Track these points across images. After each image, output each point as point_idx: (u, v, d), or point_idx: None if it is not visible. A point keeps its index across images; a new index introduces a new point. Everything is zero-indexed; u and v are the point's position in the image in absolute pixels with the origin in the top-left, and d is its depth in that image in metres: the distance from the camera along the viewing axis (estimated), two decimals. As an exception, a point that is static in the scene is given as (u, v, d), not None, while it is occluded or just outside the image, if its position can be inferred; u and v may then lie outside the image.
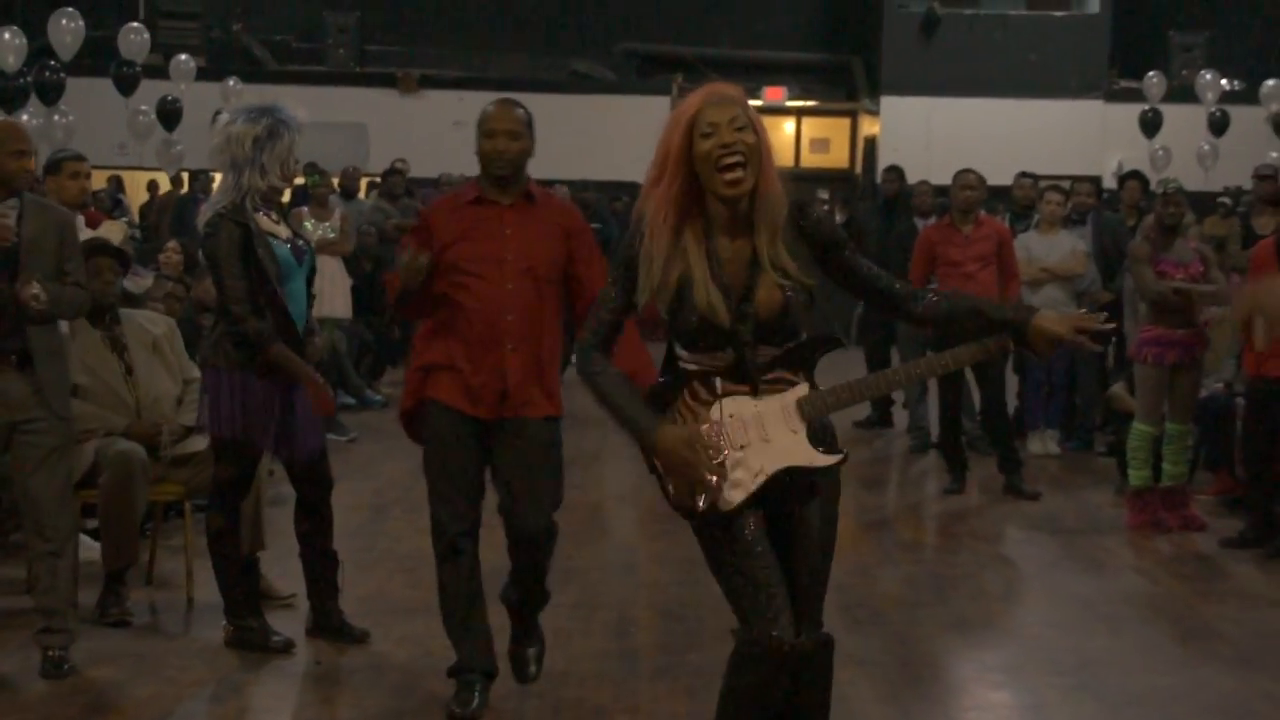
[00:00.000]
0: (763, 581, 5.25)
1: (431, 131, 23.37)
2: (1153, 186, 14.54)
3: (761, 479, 5.14)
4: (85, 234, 10.28)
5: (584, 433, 12.68)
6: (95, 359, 9.10)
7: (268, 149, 8.22)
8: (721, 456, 5.08)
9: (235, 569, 8.41)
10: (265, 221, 8.24)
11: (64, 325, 8.78)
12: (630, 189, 20.55)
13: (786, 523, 5.32)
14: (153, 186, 21.77)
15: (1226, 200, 15.08)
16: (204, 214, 8.22)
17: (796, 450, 5.18)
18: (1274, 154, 21.43)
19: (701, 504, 5.09)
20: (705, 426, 5.11)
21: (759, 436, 5.16)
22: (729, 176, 5.08)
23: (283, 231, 8.37)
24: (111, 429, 8.96)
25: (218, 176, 8.70)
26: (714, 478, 5.10)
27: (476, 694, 7.17)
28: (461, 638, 7.26)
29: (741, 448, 5.12)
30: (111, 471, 8.72)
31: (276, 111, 8.41)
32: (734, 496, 5.07)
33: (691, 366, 5.17)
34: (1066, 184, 15.66)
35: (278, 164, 8.26)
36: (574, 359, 5.81)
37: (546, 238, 7.30)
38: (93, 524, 8.99)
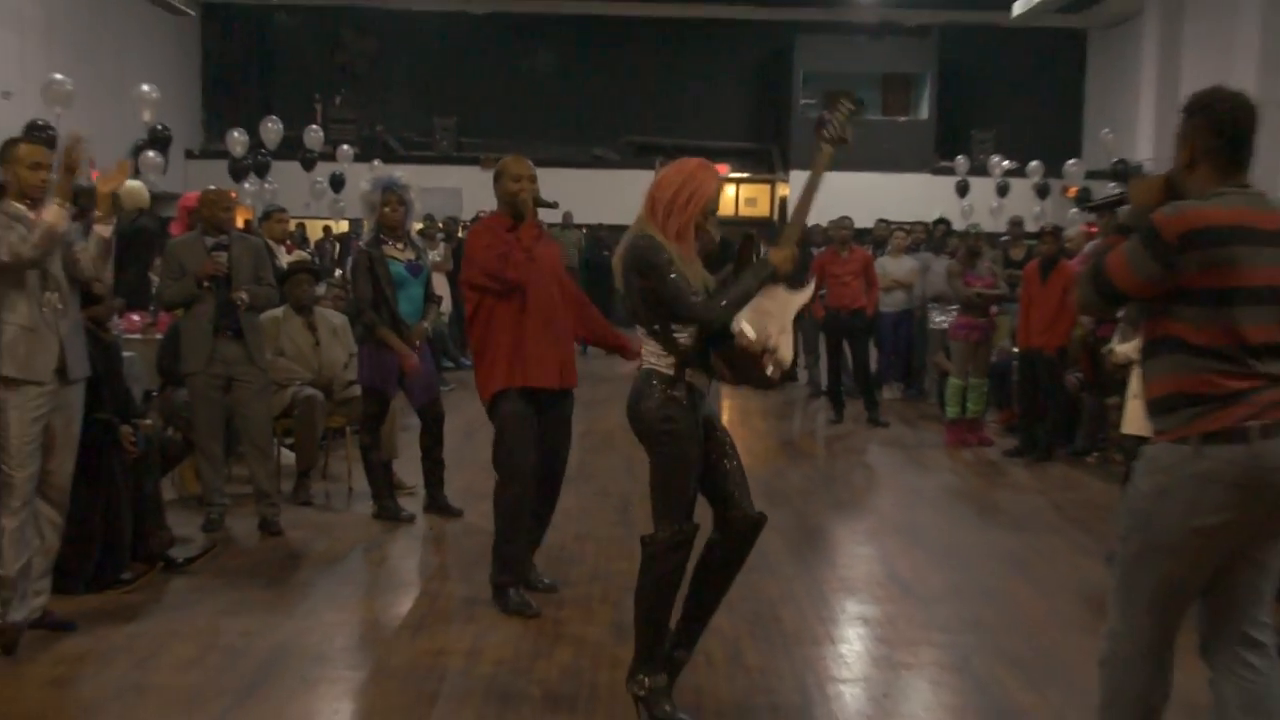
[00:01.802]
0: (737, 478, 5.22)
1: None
2: (963, 228, 14.72)
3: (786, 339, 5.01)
4: (288, 258, 10.51)
5: (598, 385, 12.28)
6: (297, 335, 9.63)
7: (380, 199, 8.73)
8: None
9: (378, 468, 8.89)
10: (390, 249, 8.64)
11: (278, 311, 9.29)
12: (625, 230, 20.53)
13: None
14: (326, 230, 21.84)
15: (1005, 238, 15.37)
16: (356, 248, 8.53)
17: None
18: (1036, 209, 21.78)
19: (771, 370, 4.91)
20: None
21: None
22: (711, 225, 5.34)
23: (406, 255, 8.74)
24: (303, 380, 9.45)
25: (366, 223, 8.87)
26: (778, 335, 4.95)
27: (511, 596, 6.73)
28: (511, 553, 6.75)
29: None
30: (301, 407, 9.27)
31: (389, 179, 9.03)
32: (786, 354, 4.92)
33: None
34: (907, 226, 15.78)
35: (393, 209, 8.72)
36: None
37: (557, 256, 7.09)
38: (289, 441, 9.51)
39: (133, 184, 13.73)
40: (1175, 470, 3.83)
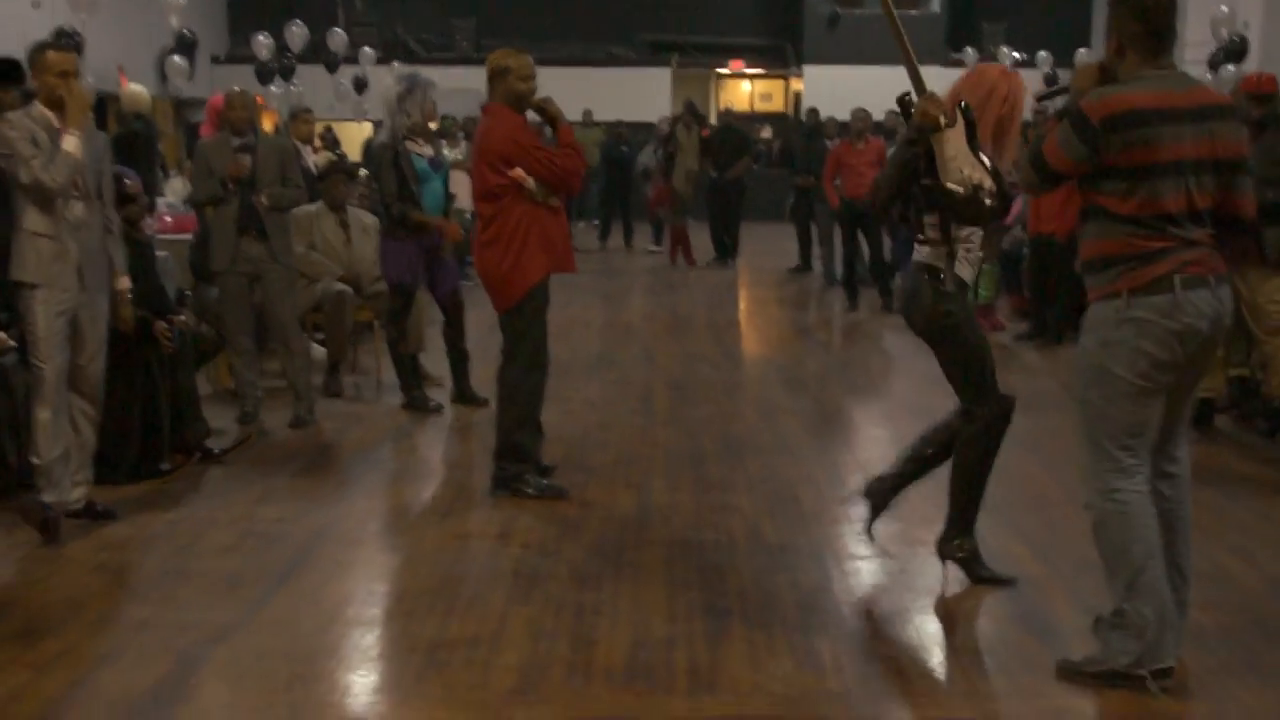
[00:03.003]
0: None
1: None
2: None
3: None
4: (315, 158, 10.45)
5: (615, 278, 12.24)
6: (330, 232, 9.66)
7: (409, 99, 8.63)
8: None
9: (405, 360, 8.90)
10: (412, 145, 8.61)
11: (313, 207, 9.29)
12: (644, 127, 20.43)
13: None
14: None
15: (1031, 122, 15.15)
16: (375, 142, 8.38)
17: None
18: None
19: (990, 201, 5.09)
20: None
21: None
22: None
23: (427, 151, 8.75)
24: (333, 274, 9.51)
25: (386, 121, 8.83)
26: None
27: (534, 481, 6.73)
28: (526, 440, 6.74)
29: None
30: (331, 301, 9.32)
31: (413, 76, 8.96)
32: (985, 180, 5.04)
33: None
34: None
35: (418, 107, 8.64)
36: None
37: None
38: (320, 335, 9.63)
39: (135, 88, 13.73)
40: (1111, 321, 4.24)
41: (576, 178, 6.81)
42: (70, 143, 5.93)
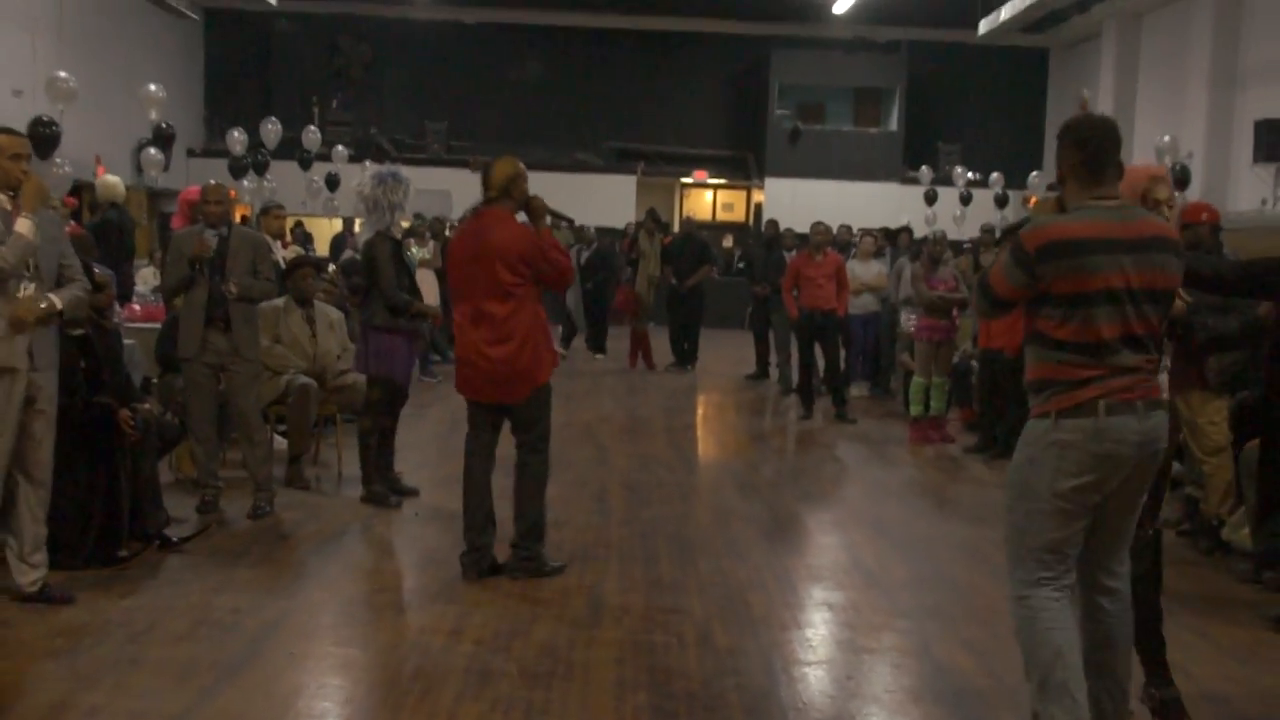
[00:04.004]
0: None
1: (488, 196, 23.33)
2: (926, 234, 14.57)
3: None
4: (284, 253, 10.51)
5: (575, 379, 12.23)
6: (295, 326, 9.62)
7: (396, 191, 8.71)
8: None
9: (372, 454, 8.81)
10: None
11: (279, 301, 9.23)
12: (609, 231, 20.59)
13: None
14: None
15: (967, 244, 15.34)
16: (361, 237, 8.33)
17: None
18: (998, 217, 21.77)
19: None
20: None
21: None
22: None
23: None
24: (298, 368, 9.47)
25: (358, 221, 8.80)
26: None
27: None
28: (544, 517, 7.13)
29: None
30: (295, 394, 9.30)
31: (393, 170, 9.01)
32: None
33: None
34: (875, 232, 15.60)
35: (403, 200, 8.78)
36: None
37: None
38: (282, 428, 9.61)
39: (110, 178, 13.75)
40: (1039, 441, 4.30)
41: (571, 276, 7.30)
42: (24, 225, 5.91)
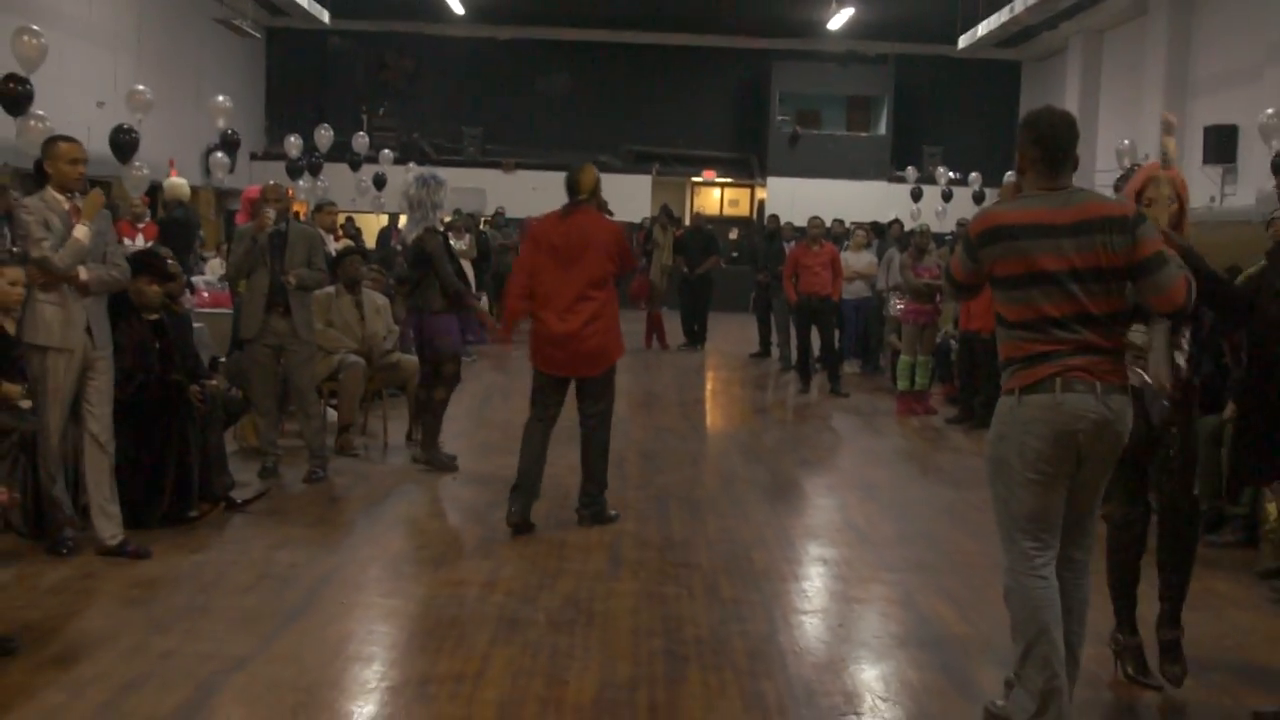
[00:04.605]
0: None
1: (519, 194, 23.25)
2: (912, 228, 14.45)
3: None
4: (336, 246, 10.59)
5: None
6: (345, 311, 9.55)
7: (438, 192, 8.74)
8: None
9: (438, 424, 8.89)
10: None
11: (330, 288, 9.24)
12: (628, 225, 20.59)
13: None
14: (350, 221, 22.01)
15: (948, 237, 15.28)
16: (409, 232, 8.81)
17: None
18: (976, 212, 21.66)
19: None
20: None
21: None
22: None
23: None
24: (348, 348, 9.40)
25: (402, 217, 8.86)
26: None
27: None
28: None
29: None
30: (346, 372, 9.27)
31: (432, 174, 9.02)
32: None
33: None
34: (866, 225, 15.43)
35: (442, 200, 8.81)
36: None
37: None
38: (334, 401, 9.54)
39: (177, 180, 13.77)
40: (1006, 418, 4.15)
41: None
42: (81, 232, 6.04)
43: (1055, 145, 4.10)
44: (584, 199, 7.15)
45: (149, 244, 10.92)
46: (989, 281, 4.19)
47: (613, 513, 7.34)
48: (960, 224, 15.89)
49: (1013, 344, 4.13)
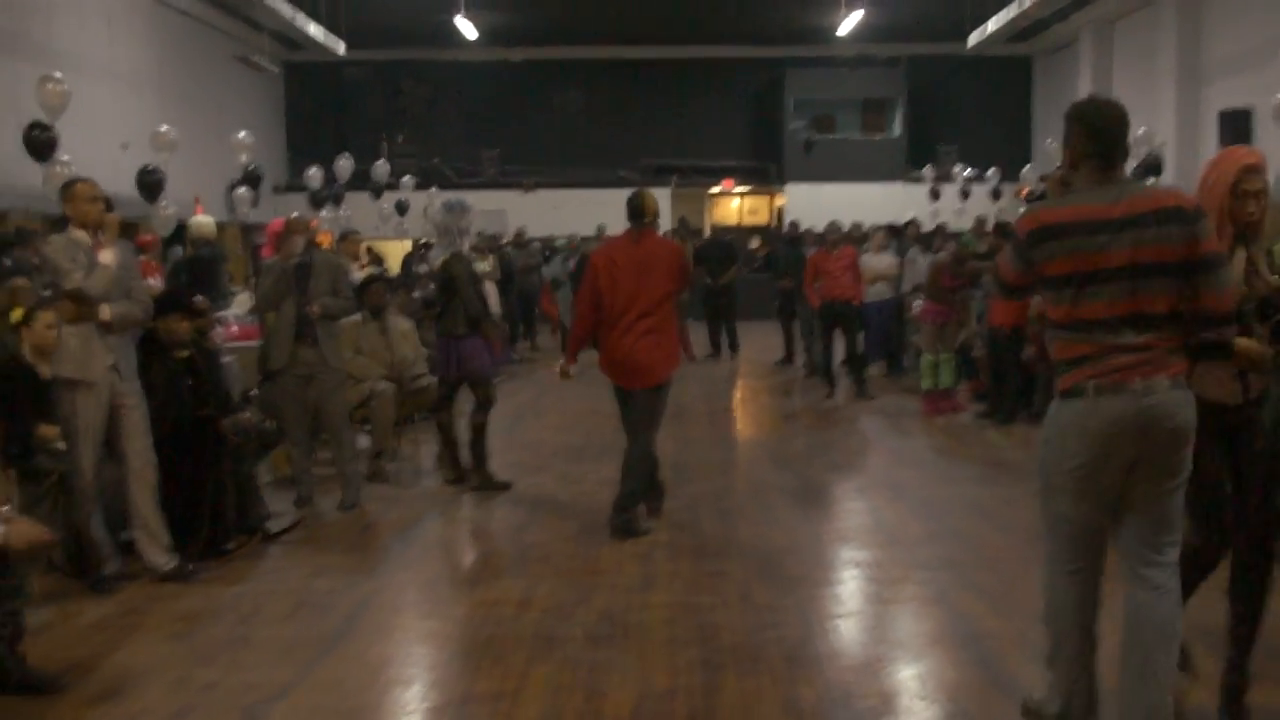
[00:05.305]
0: None
1: (539, 213, 23.37)
2: (929, 229, 14.44)
3: None
4: (360, 274, 10.66)
5: None
6: (372, 337, 9.61)
7: (465, 219, 8.90)
8: None
9: (452, 443, 8.97)
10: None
11: (356, 317, 9.30)
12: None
13: None
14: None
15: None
16: (435, 259, 9.02)
17: None
18: (995, 208, 21.88)
19: None
20: None
21: None
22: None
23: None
24: (377, 375, 9.45)
25: (432, 241, 8.97)
26: None
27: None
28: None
29: None
30: (377, 399, 9.33)
31: (460, 201, 9.15)
32: None
33: None
34: (884, 227, 15.41)
35: (469, 226, 9.02)
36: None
37: None
38: (366, 428, 9.62)
39: (203, 219, 13.89)
40: (1052, 422, 4.01)
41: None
42: (107, 255, 6.25)
43: (1111, 137, 3.91)
44: (648, 221, 7.55)
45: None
46: (1039, 282, 3.99)
47: (645, 526, 7.40)
48: (979, 220, 15.86)
49: (1061, 344, 3.96)
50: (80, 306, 6.16)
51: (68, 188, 6.40)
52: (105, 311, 6.22)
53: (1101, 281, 3.81)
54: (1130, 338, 3.82)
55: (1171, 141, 19.79)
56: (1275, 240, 4.27)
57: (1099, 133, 3.89)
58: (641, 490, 7.50)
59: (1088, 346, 3.86)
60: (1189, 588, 4.28)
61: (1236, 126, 17.77)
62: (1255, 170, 4.28)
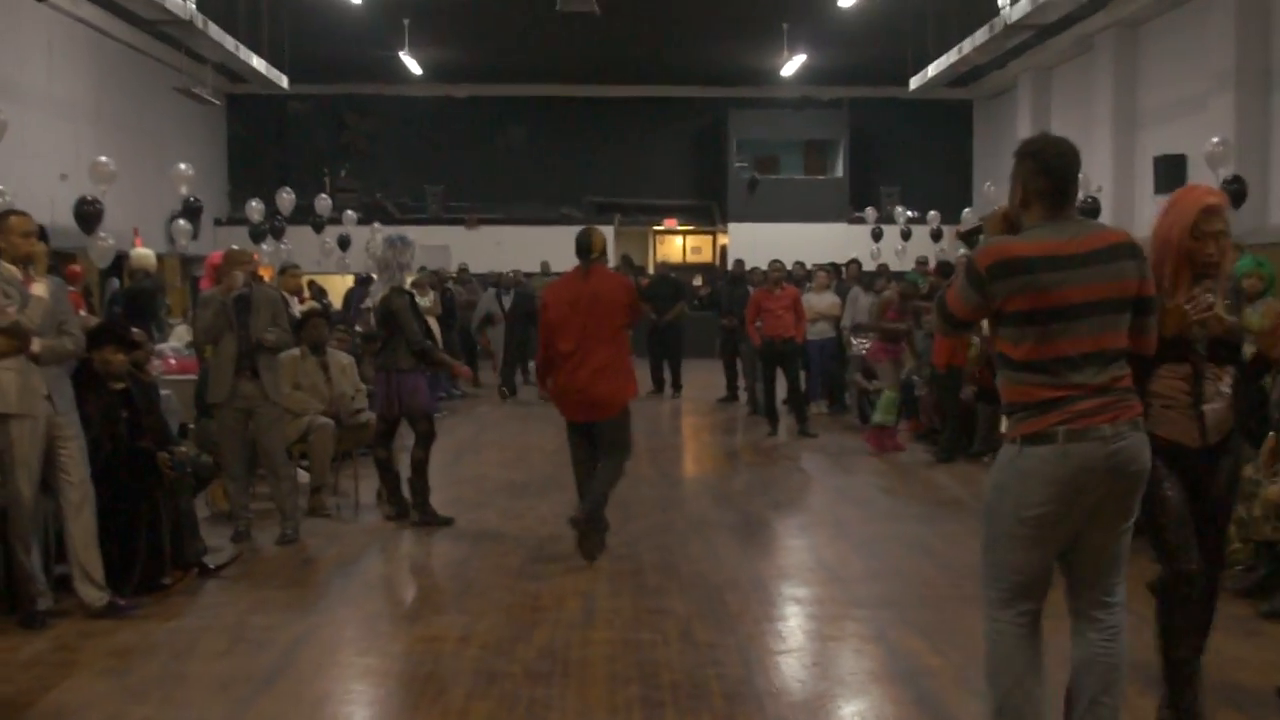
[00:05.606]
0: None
1: (483, 249, 23.35)
2: (875, 270, 14.60)
3: None
4: (301, 308, 10.56)
5: None
6: (311, 372, 9.54)
7: (405, 253, 8.93)
8: None
9: (391, 479, 8.96)
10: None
11: (295, 351, 9.21)
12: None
13: None
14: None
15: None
16: (376, 293, 8.56)
17: None
18: (938, 251, 22.01)
19: None
20: None
21: None
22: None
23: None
24: (316, 410, 9.37)
25: (374, 275, 8.94)
26: None
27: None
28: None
29: None
30: (315, 434, 9.23)
31: (401, 236, 9.18)
32: None
33: None
34: (827, 267, 15.48)
35: (409, 261, 9.03)
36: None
37: None
38: (304, 463, 9.43)
39: (143, 251, 13.80)
40: (1006, 468, 3.83)
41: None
42: (39, 288, 6.22)
43: (1064, 174, 3.83)
44: (595, 257, 7.70)
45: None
46: (994, 318, 3.87)
47: (600, 541, 7.63)
48: (920, 262, 16.04)
49: (1019, 387, 3.81)
50: (13, 340, 6.08)
51: (1, 220, 6.30)
52: (35, 344, 6.13)
53: (1067, 319, 3.72)
54: (1093, 376, 3.74)
55: (1108, 185, 20.15)
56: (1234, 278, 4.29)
57: (1052, 170, 3.82)
58: (601, 503, 7.65)
59: (1057, 389, 3.73)
60: (1175, 627, 4.35)
61: (1171, 171, 18.11)
62: (1214, 212, 4.30)
